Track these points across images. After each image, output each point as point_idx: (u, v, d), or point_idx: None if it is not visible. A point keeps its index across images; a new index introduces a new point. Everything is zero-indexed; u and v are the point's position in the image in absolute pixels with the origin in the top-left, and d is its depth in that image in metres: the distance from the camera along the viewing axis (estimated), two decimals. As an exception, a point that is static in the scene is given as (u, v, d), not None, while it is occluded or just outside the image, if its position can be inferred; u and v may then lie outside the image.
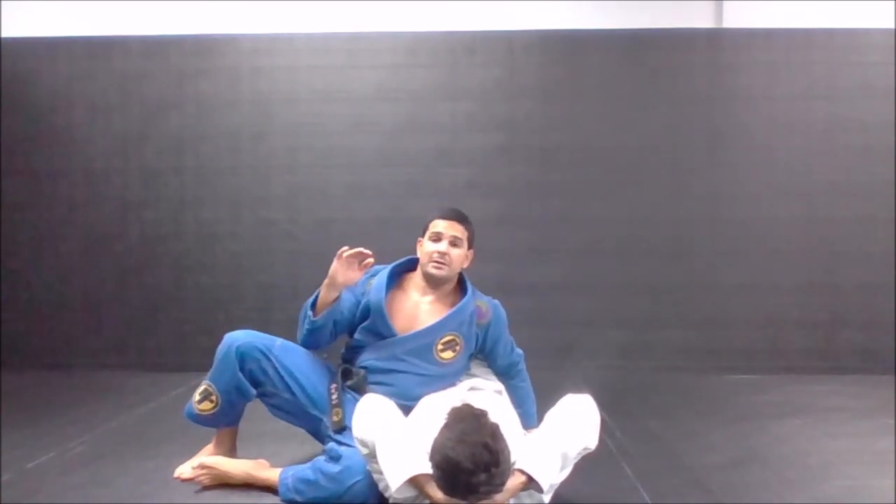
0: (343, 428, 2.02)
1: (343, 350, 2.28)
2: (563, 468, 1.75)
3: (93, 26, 4.02)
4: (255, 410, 2.23)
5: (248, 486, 2.08)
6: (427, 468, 1.62)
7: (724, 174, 3.91)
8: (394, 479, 1.65)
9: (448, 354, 2.14)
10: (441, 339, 2.13)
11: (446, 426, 1.60)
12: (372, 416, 1.81)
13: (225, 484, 2.10)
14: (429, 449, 1.62)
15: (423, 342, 2.13)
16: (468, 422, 1.59)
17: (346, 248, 2.03)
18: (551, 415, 1.86)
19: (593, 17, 4.03)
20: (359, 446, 1.81)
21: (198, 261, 3.94)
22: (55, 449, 2.48)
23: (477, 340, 2.21)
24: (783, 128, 3.89)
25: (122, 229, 3.95)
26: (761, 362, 3.83)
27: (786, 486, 2.16)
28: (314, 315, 2.08)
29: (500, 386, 2.21)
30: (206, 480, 2.10)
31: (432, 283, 2.16)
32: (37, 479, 2.20)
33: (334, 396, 2.08)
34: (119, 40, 3.96)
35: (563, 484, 1.80)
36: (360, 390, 2.09)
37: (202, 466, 2.11)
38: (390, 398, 1.94)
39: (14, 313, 3.94)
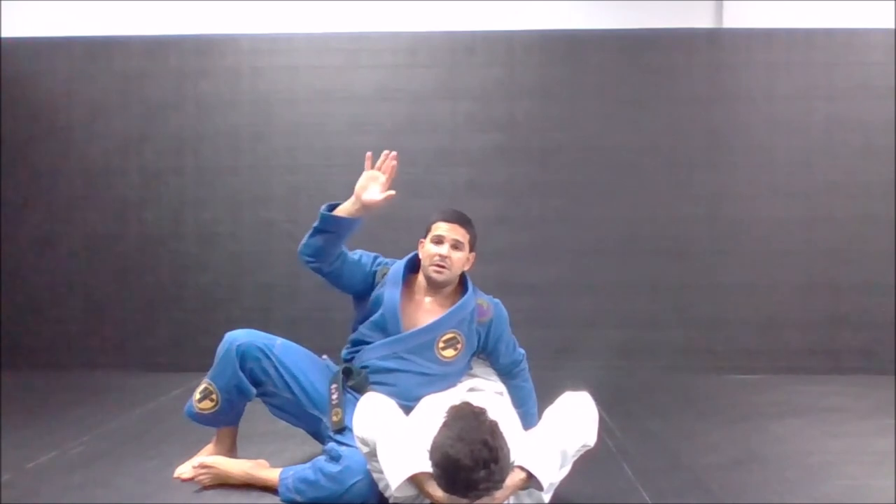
0: (343, 428, 2.02)
1: (344, 350, 2.27)
2: (562, 466, 1.76)
3: (93, 26, 4.02)
4: (255, 410, 2.23)
5: (248, 485, 2.08)
6: (427, 466, 1.62)
7: (724, 174, 3.91)
8: (394, 477, 1.65)
9: (449, 353, 2.14)
10: (442, 336, 2.13)
11: (445, 424, 1.61)
12: (373, 415, 1.81)
13: (225, 484, 2.10)
14: (429, 447, 1.62)
15: (425, 340, 2.12)
16: (467, 419, 1.59)
17: (370, 153, 2.07)
18: (550, 413, 1.87)
19: (593, 17, 4.04)
20: (359, 445, 1.81)
21: (198, 261, 3.95)
22: (55, 449, 2.47)
23: (479, 339, 2.21)
24: (783, 128, 3.89)
25: (122, 229, 3.95)
26: (761, 362, 3.84)
27: (786, 486, 2.16)
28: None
29: (501, 387, 2.22)
30: (206, 480, 2.10)
31: (433, 285, 2.16)
32: (37, 479, 2.20)
33: (334, 397, 2.08)
34: (119, 40, 3.96)
35: (563, 484, 1.80)
36: (361, 390, 2.08)
37: (202, 466, 2.11)
38: (391, 398, 1.94)
39: (14, 313, 3.94)
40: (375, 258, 2.24)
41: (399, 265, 2.19)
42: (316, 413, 2.10)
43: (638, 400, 3.24)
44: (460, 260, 2.15)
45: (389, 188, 2.06)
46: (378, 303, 2.15)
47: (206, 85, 3.94)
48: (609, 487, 2.13)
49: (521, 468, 1.67)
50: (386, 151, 2.08)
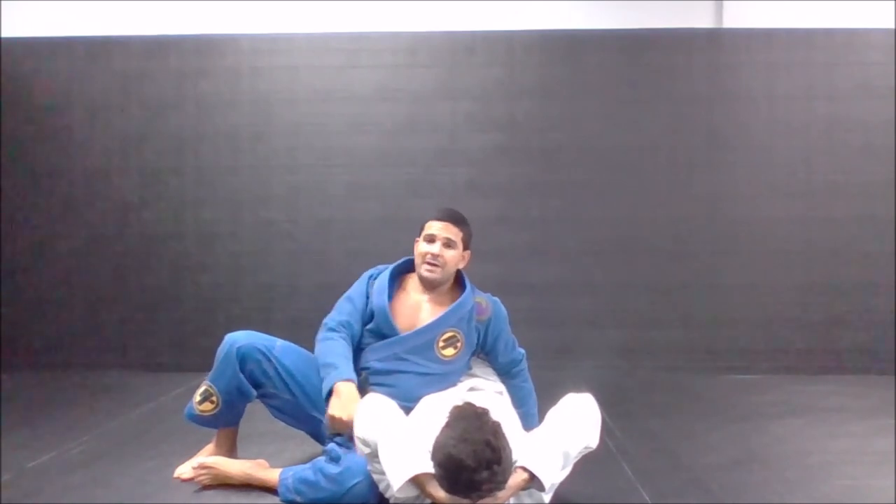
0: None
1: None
2: (563, 467, 1.76)
3: (93, 26, 4.02)
4: (256, 410, 2.23)
5: (248, 486, 2.08)
6: (429, 467, 1.62)
7: (724, 174, 3.91)
8: (396, 478, 1.65)
9: (449, 352, 2.14)
10: (442, 335, 2.13)
11: (448, 425, 1.61)
12: (374, 416, 1.81)
13: (225, 484, 2.10)
14: (430, 448, 1.62)
15: (425, 339, 2.12)
16: (470, 420, 1.59)
17: None
18: (552, 414, 1.86)
19: (593, 17, 4.04)
20: (360, 446, 1.81)
21: (198, 261, 3.94)
22: (55, 449, 2.48)
23: (478, 337, 2.21)
24: (783, 128, 3.89)
25: (121, 229, 3.95)
26: (761, 362, 3.84)
27: (786, 486, 2.16)
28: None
29: (500, 387, 2.21)
30: (205, 480, 2.10)
31: (426, 284, 2.16)
32: (37, 479, 2.20)
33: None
34: (119, 40, 3.96)
35: (563, 484, 1.80)
36: (362, 392, 2.08)
37: (202, 466, 2.11)
38: (392, 399, 1.93)
39: (14, 313, 3.94)
40: (368, 280, 2.21)
41: (385, 273, 2.20)
42: (316, 414, 2.10)
43: (638, 400, 3.24)
44: (453, 258, 2.15)
45: None
46: (372, 312, 2.15)
47: (206, 85, 3.94)
48: (609, 487, 2.13)
49: (523, 469, 1.67)
50: None
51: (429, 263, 2.12)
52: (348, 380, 2.00)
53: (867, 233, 3.85)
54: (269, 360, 2.09)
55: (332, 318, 2.16)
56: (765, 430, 2.77)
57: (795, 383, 3.56)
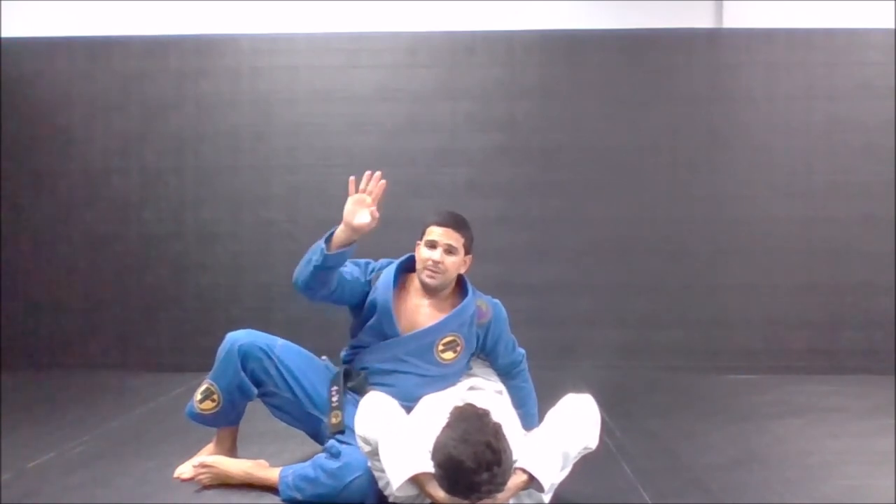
0: (342, 430, 2.02)
1: (344, 351, 2.27)
2: (563, 468, 1.76)
3: (93, 26, 4.02)
4: (256, 410, 2.23)
5: (248, 485, 2.08)
6: (429, 467, 1.62)
7: (724, 174, 3.91)
8: (396, 477, 1.65)
9: (449, 355, 2.14)
10: (442, 339, 2.13)
11: (449, 425, 1.61)
12: (375, 414, 1.81)
13: (225, 484, 2.10)
14: (430, 448, 1.62)
15: (424, 342, 2.12)
16: (471, 421, 1.59)
17: (353, 178, 2.02)
18: (552, 414, 1.86)
19: (593, 17, 4.04)
20: (361, 444, 1.81)
21: (198, 261, 3.94)
22: (55, 449, 2.47)
23: (478, 340, 2.20)
24: (783, 128, 3.89)
25: (122, 229, 3.95)
26: (761, 362, 3.84)
27: (786, 486, 2.16)
28: (328, 250, 1.99)
29: (500, 386, 2.21)
30: (206, 480, 2.10)
31: (427, 289, 2.16)
32: (37, 479, 2.20)
33: (335, 399, 2.08)
34: (119, 40, 3.96)
35: (563, 484, 1.80)
36: (360, 391, 2.08)
37: (202, 466, 2.11)
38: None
39: (14, 313, 3.94)
40: (367, 266, 2.21)
41: (390, 269, 2.18)
42: (316, 414, 2.10)
43: (638, 400, 3.24)
44: (455, 264, 2.14)
45: (376, 208, 2.02)
46: (373, 308, 2.14)
47: (206, 85, 3.94)
48: (609, 487, 2.13)
49: (523, 470, 1.67)
50: (368, 173, 2.03)
51: (430, 270, 2.11)
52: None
53: (867, 233, 3.85)
54: (271, 358, 2.09)
55: None
56: (765, 430, 2.77)
57: (795, 383, 3.56)
